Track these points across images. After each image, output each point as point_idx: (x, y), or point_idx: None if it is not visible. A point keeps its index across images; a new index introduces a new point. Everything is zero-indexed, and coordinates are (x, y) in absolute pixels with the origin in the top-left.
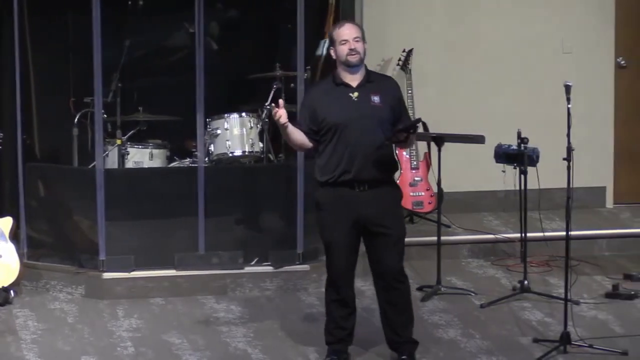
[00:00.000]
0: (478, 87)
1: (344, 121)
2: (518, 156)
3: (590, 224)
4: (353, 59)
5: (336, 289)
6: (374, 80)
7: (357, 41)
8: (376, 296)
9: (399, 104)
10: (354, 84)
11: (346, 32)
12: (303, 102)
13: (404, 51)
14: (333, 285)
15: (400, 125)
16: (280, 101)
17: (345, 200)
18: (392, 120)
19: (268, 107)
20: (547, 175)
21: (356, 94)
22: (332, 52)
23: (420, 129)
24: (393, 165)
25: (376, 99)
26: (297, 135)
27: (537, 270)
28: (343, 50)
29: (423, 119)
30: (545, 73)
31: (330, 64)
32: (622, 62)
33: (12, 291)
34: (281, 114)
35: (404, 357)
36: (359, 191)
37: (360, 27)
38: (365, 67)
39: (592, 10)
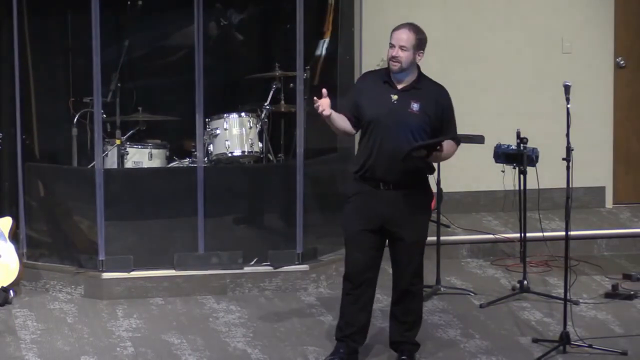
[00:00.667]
0: (477, 87)
1: (378, 119)
2: (517, 156)
3: (590, 224)
4: (393, 66)
5: (350, 283)
6: (421, 88)
7: (403, 50)
8: (391, 295)
9: (442, 113)
10: (400, 86)
11: (397, 36)
12: (354, 86)
13: None
14: (348, 279)
15: (430, 141)
16: (324, 90)
17: (369, 197)
18: (429, 129)
19: (267, 107)
20: (546, 175)
21: (396, 96)
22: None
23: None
24: (422, 170)
25: (415, 106)
26: (340, 123)
27: (537, 270)
28: (389, 52)
29: None
30: (544, 73)
31: (329, 64)
32: (622, 62)
33: (11, 291)
34: (323, 106)
35: (403, 357)
36: (383, 189)
37: (418, 33)
38: (419, 72)
39: (591, 11)
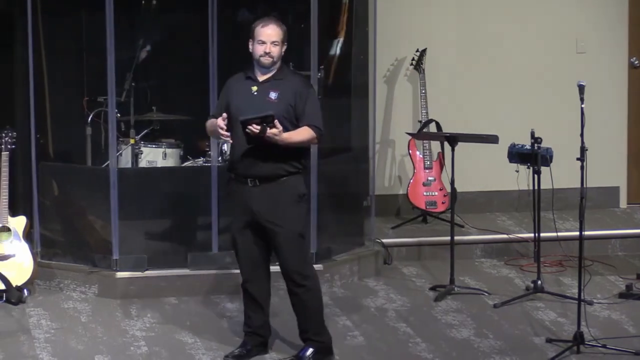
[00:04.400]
0: (491, 87)
1: (237, 113)
2: (531, 156)
3: (604, 224)
4: (265, 61)
5: (245, 280)
6: (282, 78)
7: (274, 45)
8: None
9: (299, 99)
10: (261, 78)
11: (267, 32)
12: (222, 91)
13: (417, 51)
14: (242, 276)
15: (254, 115)
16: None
17: (240, 194)
18: (290, 116)
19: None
20: (560, 175)
21: (255, 88)
22: (249, 45)
23: (434, 129)
24: (287, 159)
25: (273, 95)
26: (211, 128)
27: (551, 270)
28: (258, 50)
29: (436, 119)
30: (558, 73)
31: (344, 64)
32: (636, 62)
33: (25, 290)
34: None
35: (300, 352)
36: (250, 186)
37: (283, 28)
38: (282, 64)
39: (606, 10)
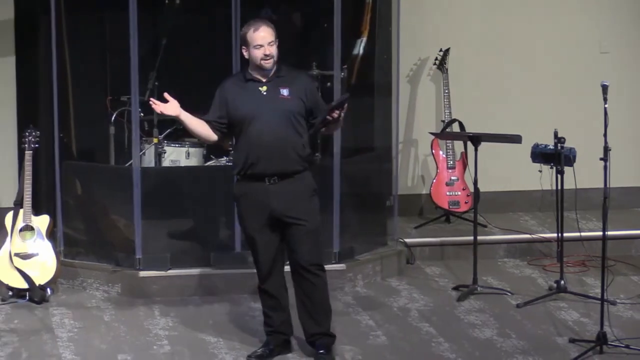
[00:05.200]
0: (515, 86)
1: (252, 113)
2: (555, 156)
3: (627, 224)
4: (267, 64)
5: (262, 280)
6: (284, 75)
7: (271, 45)
8: (294, 288)
9: (311, 94)
10: (264, 79)
11: (261, 35)
12: (215, 94)
13: (440, 51)
14: (259, 276)
15: (334, 103)
16: (165, 94)
17: (257, 194)
18: (303, 111)
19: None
20: (584, 175)
21: (265, 87)
22: (244, 52)
23: (457, 129)
24: (305, 156)
25: (285, 91)
26: (198, 127)
27: (574, 270)
28: (257, 54)
29: (460, 119)
30: (582, 73)
31: (367, 64)
32: None
33: (48, 289)
34: (162, 109)
35: (321, 351)
36: (269, 184)
37: (273, 26)
38: (279, 62)
39: (629, 10)
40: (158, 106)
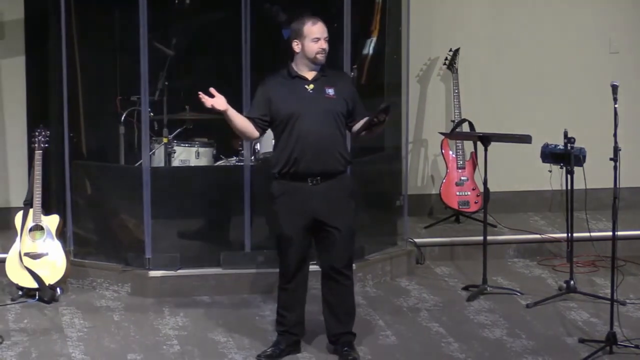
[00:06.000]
0: (525, 86)
1: (298, 112)
2: (565, 156)
3: (638, 224)
4: (322, 58)
5: (286, 279)
6: (328, 75)
7: (326, 40)
8: (321, 290)
9: (353, 96)
10: (310, 76)
11: (320, 29)
12: (257, 92)
13: (450, 51)
14: (284, 275)
15: (382, 105)
16: (212, 89)
17: (297, 194)
18: (345, 112)
19: None
20: (593, 175)
21: (312, 86)
22: (295, 46)
23: (466, 128)
24: (346, 158)
25: (330, 91)
26: (241, 122)
27: (583, 271)
28: (313, 47)
29: (469, 119)
30: (592, 73)
31: (376, 63)
32: None
33: (58, 289)
34: (213, 102)
35: (345, 349)
36: (311, 185)
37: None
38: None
39: (639, 10)
40: (208, 100)
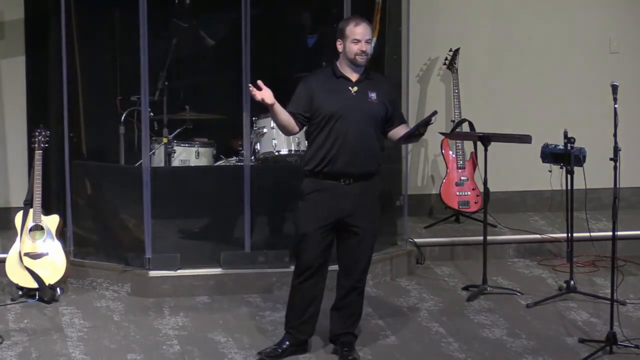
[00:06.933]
0: (524, 86)
1: (340, 112)
2: (565, 156)
3: (638, 224)
4: (361, 60)
5: (303, 277)
6: (372, 78)
7: (368, 43)
8: (336, 288)
9: (393, 102)
10: (354, 78)
11: (361, 31)
12: (300, 87)
13: (450, 51)
14: (301, 273)
15: (423, 119)
16: (259, 82)
17: (329, 193)
18: (384, 118)
19: None
20: (593, 175)
21: (355, 88)
22: (339, 45)
23: (467, 129)
24: (379, 161)
25: (373, 95)
26: (285, 117)
27: (583, 271)
28: (353, 48)
29: (469, 119)
30: (592, 73)
31: (376, 63)
32: None
33: (58, 289)
34: (263, 95)
35: (345, 349)
36: (344, 184)
37: (371, 26)
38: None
39: (639, 10)
40: (257, 94)
